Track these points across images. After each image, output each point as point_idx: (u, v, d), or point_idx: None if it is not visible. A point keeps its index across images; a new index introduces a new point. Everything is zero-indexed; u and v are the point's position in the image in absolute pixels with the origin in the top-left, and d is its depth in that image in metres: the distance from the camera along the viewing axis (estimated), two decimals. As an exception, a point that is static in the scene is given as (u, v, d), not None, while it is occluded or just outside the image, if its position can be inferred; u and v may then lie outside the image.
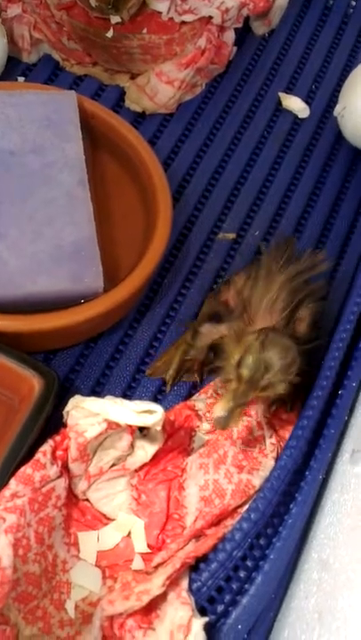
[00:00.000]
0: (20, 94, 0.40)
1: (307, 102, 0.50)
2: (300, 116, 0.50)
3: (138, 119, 0.47)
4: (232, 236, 0.44)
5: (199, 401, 0.37)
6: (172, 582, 0.29)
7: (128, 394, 0.38)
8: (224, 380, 0.35)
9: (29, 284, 0.36)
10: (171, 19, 0.46)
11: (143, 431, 0.34)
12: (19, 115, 0.39)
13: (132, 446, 0.33)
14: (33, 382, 0.34)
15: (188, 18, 0.46)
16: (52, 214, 0.37)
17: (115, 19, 0.46)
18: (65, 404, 0.33)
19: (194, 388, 0.39)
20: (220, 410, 0.31)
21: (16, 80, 0.46)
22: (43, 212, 0.37)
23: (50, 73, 0.48)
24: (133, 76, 0.48)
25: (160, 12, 0.46)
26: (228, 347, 0.34)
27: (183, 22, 0.46)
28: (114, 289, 0.37)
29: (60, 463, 0.31)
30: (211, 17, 0.46)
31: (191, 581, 0.30)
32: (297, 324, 0.36)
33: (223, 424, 0.31)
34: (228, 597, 0.30)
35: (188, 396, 0.38)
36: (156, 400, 0.38)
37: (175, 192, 0.44)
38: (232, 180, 0.46)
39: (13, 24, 0.47)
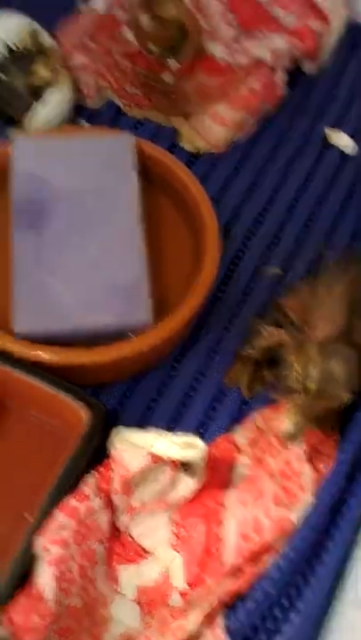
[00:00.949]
0: (84, 138, 0.43)
1: (354, 138, 0.51)
2: (346, 152, 0.50)
3: (191, 158, 0.48)
4: (278, 270, 0.45)
5: (240, 435, 0.38)
6: (208, 619, 0.30)
7: (172, 426, 0.39)
8: (285, 389, 0.35)
9: (82, 318, 0.37)
10: (225, 61, 0.48)
11: (185, 466, 0.34)
12: (81, 157, 0.42)
13: (174, 481, 0.34)
14: (82, 414, 0.36)
15: (241, 59, 0.48)
16: (107, 251, 0.39)
17: (173, 63, 0.48)
18: (109, 437, 0.35)
19: (244, 404, 0.39)
20: (288, 424, 0.32)
21: (80, 124, 0.49)
22: (98, 250, 0.39)
23: (112, 117, 0.50)
24: (188, 118, 0.49)
25: (215, 55, 0.48)
26: (288, 356, 0.34)
27: (237, 65, 0.48)
28: (161, 323, 0.38)
29: (103, 495, 0.32)
30: (263, 59, 0.48)
31: (227, 619, 0.31)
32: (357, 334, 0.36)
33: (292, 437, 0.31)
34: (263, 637, 0.31)
35: (230, 428, 0.39)
36: (198, 434, 0.39)
37: (224, 227, 0.45)
38: (279, 215, 0.47)
39: (79, 72, 0.49)
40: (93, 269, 0.39)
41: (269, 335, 0.37)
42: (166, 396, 0.40)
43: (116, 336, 0.38)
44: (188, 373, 0.41)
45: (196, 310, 0.39)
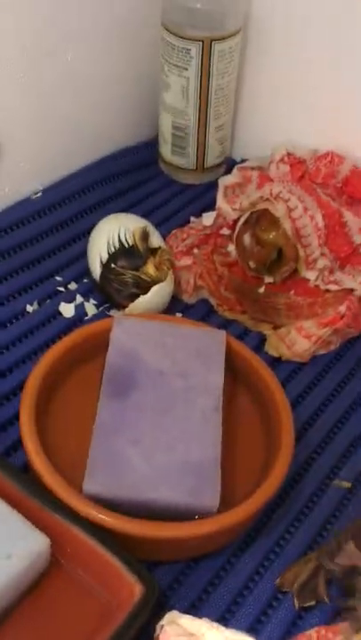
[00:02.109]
0: (178, 327, 0.47)
1: None
2: None
3: (274, 362, 0.51)
4: (348, 484, 0.45)
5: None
6: None
7: (223, 622, 0.37)
8: (354, 619, 0.33)
9: (151, 492, 0.38)
10: (317, 286, 0.53)
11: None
12: (174, 343, 0.45)
13: None
14: (134, 588, 0.35)
15: (332, 287, 0.52)
16: (185, 431, 0.41)
17: (268, 279, 0.53)
18: (158, 617, 0.33)
19: (299, 618, 0.37)
20: None
21: (175, 315, 0.53)
22: (177, 428, 0.41)
23: (204, 314, 0.54)
24: (275, 327, 0.53)
25: (308, 280, 0.53)
26: None
27: (328, 290, 0.52)
28: (226, 512, 0.38)
29: None
30: (353, 289, 0.52)
31: None
32: None
33: None
34: None
35: (291, 625, 0.37)
36: (252, 632, 0.36)
37: (298, 432, 0.46)
38: (355, 430, 0.48)
39: (182, 271, 0.55)
40: (169, 447, 0.40)
41: (353, 554, 0.37)
42: (220, 588, 0.39)
43: (181, 515, 0.38)
44: (244, 569, 0.40)
45: (261, 506, 0.39)
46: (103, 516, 0.37)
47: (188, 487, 0.38)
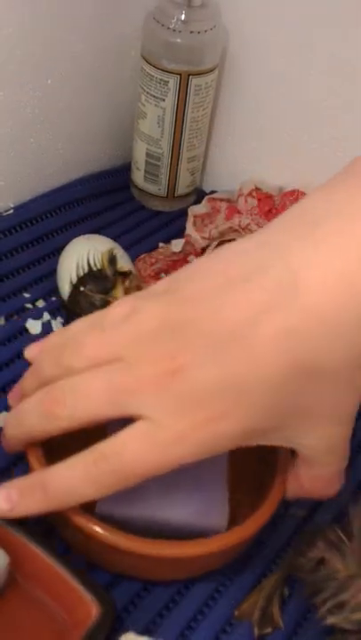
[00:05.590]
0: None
1: None
2: None
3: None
4: (302, 513, 0.45)
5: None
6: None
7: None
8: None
9: (162, 511, 0.38)
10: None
11: None
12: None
13: None
14: (91, 609, 0.35)
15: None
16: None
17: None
18: (114, 638, 0.33)
19: None
20: None
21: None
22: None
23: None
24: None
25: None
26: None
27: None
28: (234, 529, 0.37)
29: None
30: None
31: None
32: None
33: None
34: None
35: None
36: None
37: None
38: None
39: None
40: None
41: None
42: (175, 611, 0.39)
43: (188, 535, 0.37)
44: (198, 595, 0.40)
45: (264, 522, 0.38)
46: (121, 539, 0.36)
47: (197, 507, 0.39)
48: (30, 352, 0.39)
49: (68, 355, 0.35)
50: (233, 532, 0.37)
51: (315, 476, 0.37)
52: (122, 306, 0.35)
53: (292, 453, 0.37)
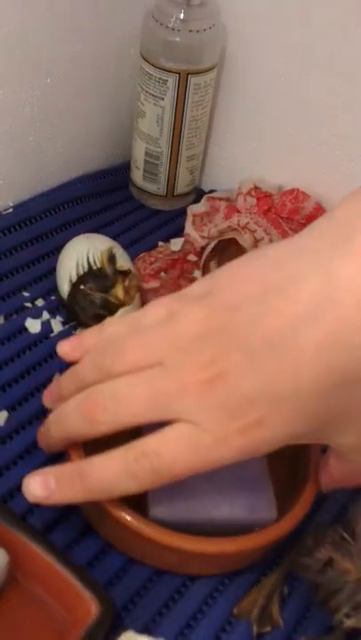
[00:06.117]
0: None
1: None
2: None
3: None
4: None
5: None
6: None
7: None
8: None
9: (214, 510, 0.39)
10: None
11: None
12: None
13: None
14: (91, 607, 0.35)
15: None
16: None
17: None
18: (114, 637, 0.34)
19: None
20: None
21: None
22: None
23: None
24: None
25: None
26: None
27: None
28: (280, 521, 0.38)
29: None
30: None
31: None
32: None
33: None
34: None
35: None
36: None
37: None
38: None
39: (149, 294, 0.55)
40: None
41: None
42: (174, 610, 0.39)
43: (239, 531, 0.38)
44: (197, 593, 0.40)
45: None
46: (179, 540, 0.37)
47: (246, 501, 0.39)
48: (63, 349, 0.39)
49: (110, 360, 0.35)
50: (283, 523, 0.38)
51: (345, 468, 0.38)
52: (157, 307, 0.35)
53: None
